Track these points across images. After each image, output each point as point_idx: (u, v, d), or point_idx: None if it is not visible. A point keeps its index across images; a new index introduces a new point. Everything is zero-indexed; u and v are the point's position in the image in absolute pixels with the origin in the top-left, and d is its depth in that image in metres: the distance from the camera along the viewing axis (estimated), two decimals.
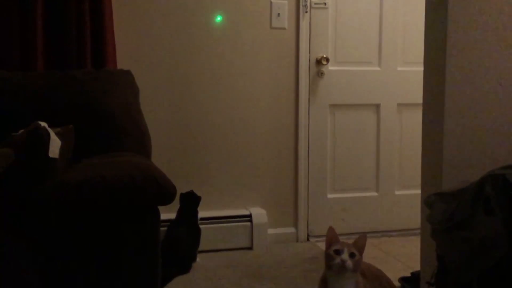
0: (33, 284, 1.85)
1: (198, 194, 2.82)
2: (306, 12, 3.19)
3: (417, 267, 2.26)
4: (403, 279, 2.50)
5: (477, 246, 1.54)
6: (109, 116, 2.48)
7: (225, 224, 3.04)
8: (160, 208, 2.01)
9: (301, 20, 3.18)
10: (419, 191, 2.11)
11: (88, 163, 2.11)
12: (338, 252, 1.72)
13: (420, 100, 2.09)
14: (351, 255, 1.71)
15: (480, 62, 1.91)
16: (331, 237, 1.77)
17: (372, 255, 2.97)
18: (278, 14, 3.16)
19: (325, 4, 3.24)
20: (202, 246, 2.87)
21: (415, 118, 2.82)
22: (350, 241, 1.78)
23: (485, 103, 1.93)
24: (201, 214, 2.87)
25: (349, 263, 1.69)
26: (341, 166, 3.34)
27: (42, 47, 2.69)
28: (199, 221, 2.84)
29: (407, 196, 3.36)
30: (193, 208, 2.80)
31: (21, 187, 1.82)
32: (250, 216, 3.09)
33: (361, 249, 1.75)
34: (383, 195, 3.40)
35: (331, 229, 1.79)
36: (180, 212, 2.79)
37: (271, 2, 3.14)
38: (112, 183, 1.88)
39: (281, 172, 3.24)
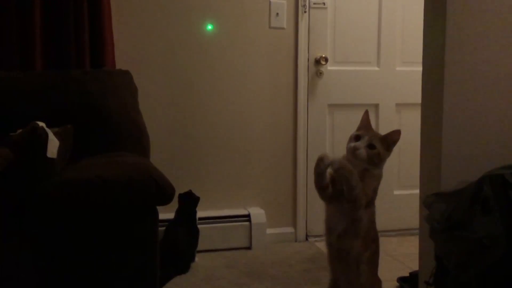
0: (33, 284, 1.85)
1: (197, 194, 2.82)
2: (305, 12, 3.19)
3: (415, 267, 2.26)
4: (401, 279, 2.50)
5: (475, 246, 1.54)
6: (107, 116, 2.48)
7: (223, 224, 3.04)
8: (158, 208, 2.01)
9: (300, 20, 3.18)
10: (417, 191, 2.11)
11: (87, 163, 2.11)
12: (358, 138, 1.58)
13: (419, 100, 2.09)
14: (370, 146, 1.55)
15: (479, 61, 1.91)
16: (363, 121, 1.64)
17: None
18: (277, 14, 3.16)
19: (324, 4, 3.24)
20: (201, 246, 2.87)
21: (414, 118, 2.81)
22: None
23: (484, 103, 1.93)
24: (200, 214, 2.87)
25: (362, 152, 1.55)
26: None
27: (40, 47, 2.69)
28: (198, 221, 2.84)
29: (406, 196, 3.36)
30: (191, 208, 2.79)
31: (19, 187, 1.82)
32: (248, 216, 3.09)
33: (389, 144, 1.58)
34: (382, 195, 3.32)
35: (366, 112, 1.65)
36: (178, 212, 2.79)
37: (270, 2, 3.14)
38: (111, 183, 1.88)
39: (279, 171, 3.24)
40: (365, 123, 1.63)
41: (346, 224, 1.59)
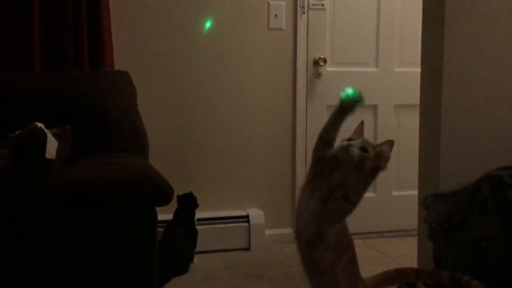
0: (33, 284, 1.85)
1: (195, 194, 2.81)
2: (304, 13, 3.20)
3: None
4: None
5: (473, 247, 1.55)
6: (106, 117, 2.48)
7: (222, 225, 3.04)
8: (157, 209, 2.01)
9: (298, 21, 3.18)
10: (416, 192, 2.11)
11: (85, 164, 2.11)
12: (350, 140, 1.51)
13: (417, 101, 2.10)
14: (363, 149, 1.47)
15: (477, 62, 1.92)
16: (357, 131, 1.58)
17: (369, 256, 2.98)
18: (276, 15, 3.16)
19: (322, 5, 3.24)
20: (200, 247, 2.87)
21: (412, 119, 2.82)
22: None
23: (482, 104, 1.93)
24: (198, 214, 2.87)
25: (355, 149, 1.45)
26: None
27: (39, 48, 2.69)
28: (196, 222, 2.84)
29: (404, 196, 3.36)
30: (190, 210, 2.79)
31: (18, 188, 1.82)
32: (247, 216, 3.09)
33: (376, 164, 1.48)
34: (380, 195, 3.40)
35: (361, 123, 1.59)
36: (177, 213, 2.79)
37: (268, 3, 3.14)
38: (110, 184, 1.88)
39: (278, 173, 3.24)
40: (359, 132, 1.57)
41: (313, 232, 1.53)
